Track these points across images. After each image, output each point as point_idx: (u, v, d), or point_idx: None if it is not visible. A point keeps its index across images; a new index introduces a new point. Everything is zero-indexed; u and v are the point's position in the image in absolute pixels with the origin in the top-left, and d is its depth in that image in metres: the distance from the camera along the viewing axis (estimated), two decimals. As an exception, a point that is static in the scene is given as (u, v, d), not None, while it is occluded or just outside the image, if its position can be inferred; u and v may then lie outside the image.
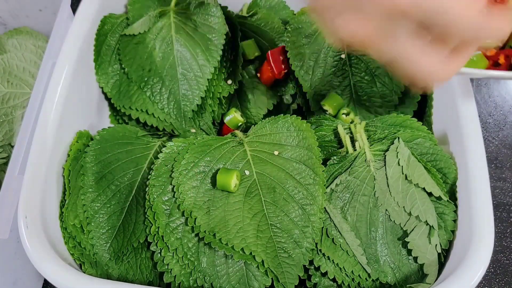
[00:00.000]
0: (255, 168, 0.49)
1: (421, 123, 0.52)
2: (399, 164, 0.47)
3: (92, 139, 0.54)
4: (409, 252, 0.47)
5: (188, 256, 0.47)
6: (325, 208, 0.47)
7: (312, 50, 0.58)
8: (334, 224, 0.47)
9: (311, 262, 0.48)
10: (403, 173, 0.47)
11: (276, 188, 0.48)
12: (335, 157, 0.50)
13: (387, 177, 0.48)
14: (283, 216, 0.47)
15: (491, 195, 0.45)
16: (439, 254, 0.47)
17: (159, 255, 0.48)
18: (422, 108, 0.60)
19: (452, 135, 0.52)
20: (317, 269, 0.47)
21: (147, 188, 0.49)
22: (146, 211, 0.49)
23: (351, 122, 0.54)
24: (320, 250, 0.47)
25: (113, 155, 0.52)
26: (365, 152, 0.49)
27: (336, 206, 0.48)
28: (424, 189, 0.47)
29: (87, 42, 0.56)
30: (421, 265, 0.47)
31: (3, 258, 0.49)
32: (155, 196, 0.48)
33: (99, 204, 0.50)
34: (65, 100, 0.51)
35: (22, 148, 0.51)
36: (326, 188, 0.48)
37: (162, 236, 0.47)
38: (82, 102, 0.56)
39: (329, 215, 0.47)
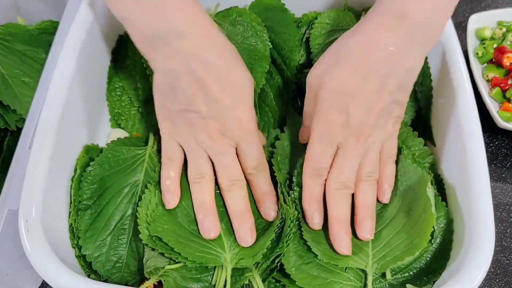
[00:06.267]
0: None
1: None
2: None
3: (101, 151, 0.54)
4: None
5: None
6: None
7: None
8: None
9: None
10: None
11: None
12: None
13: None
14: None
15: (491, 195, 0.45)
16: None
17: None
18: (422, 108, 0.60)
19: (452, 135, 0.52)
20: None
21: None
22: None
23: None
24: None
25: (109, 179, 0.52)
26: None
27: None
28: None
29: (86, 45, 0.55)
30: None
31: (3, 259, 0.50)
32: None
33: (106, 245, 0.50)
34: (64, 106, 0.50)
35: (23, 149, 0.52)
36: None
37: None
38: (82, 107, 0.55)
39: None
